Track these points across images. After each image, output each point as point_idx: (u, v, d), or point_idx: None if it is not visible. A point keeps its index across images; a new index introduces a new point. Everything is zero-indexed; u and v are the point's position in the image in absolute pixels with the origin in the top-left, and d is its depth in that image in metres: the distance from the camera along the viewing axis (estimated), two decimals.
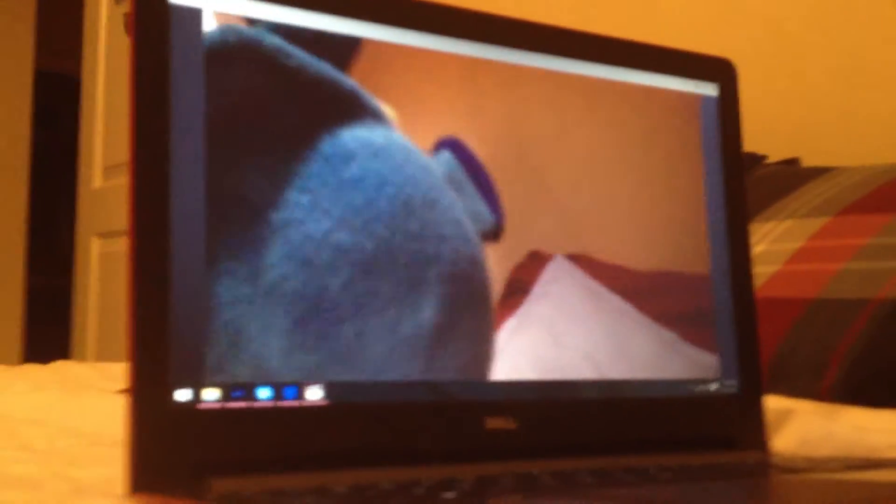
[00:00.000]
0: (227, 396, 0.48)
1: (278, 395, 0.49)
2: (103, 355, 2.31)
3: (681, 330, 0.61)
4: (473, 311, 0.52)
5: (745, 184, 0.65)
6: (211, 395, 0.48)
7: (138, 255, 0.47)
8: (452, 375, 0.53)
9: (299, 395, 0.50)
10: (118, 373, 1.06)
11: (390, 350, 0.50)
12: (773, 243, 0.93)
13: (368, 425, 0.51)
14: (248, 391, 0.48)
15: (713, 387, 0.62)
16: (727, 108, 0.66)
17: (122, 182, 2.36)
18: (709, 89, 0.66)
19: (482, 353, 0.53)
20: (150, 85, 0.48)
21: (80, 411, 0.74)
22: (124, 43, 2.40)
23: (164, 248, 0.47)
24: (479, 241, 0.54)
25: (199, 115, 0.49)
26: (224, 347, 0.48)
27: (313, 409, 0.49)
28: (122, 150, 2.37)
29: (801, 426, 0.66)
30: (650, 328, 0.60)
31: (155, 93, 0.48)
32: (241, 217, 0.48)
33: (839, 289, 0.84)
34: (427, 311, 0.51)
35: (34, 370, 1.05)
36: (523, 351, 0.55)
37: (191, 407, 0.47)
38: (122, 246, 2.32)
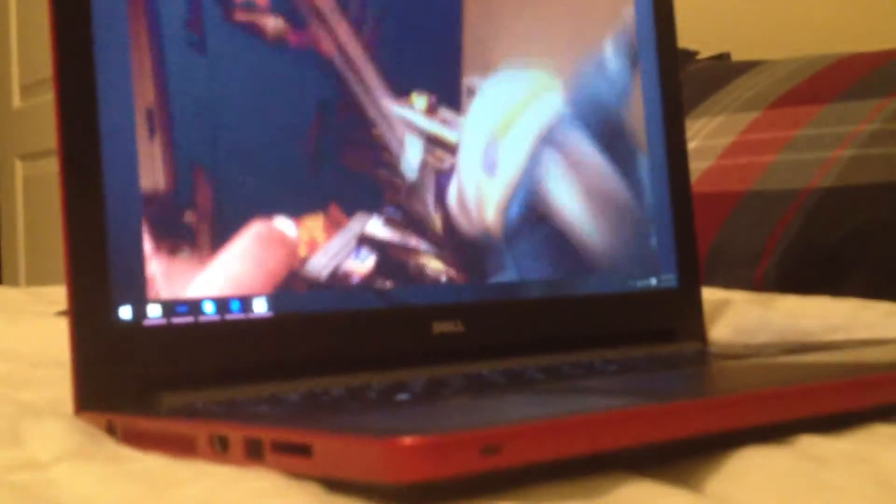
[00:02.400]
0: (171, 312, 0.47)
1: (223, 309, 0.49)
2: (34, 279, 2.27)
3: (618, 225, 0.62)
4: None
5: (680, 79, 0.66)
6: (154, 310, 0.47)
7: (68, 175, 0.45)
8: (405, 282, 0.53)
9: (244, 308, 0.49)
10: (53, 296, 1.05)
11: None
12: (705, 139, 0.94)
13: (316, 335, 0.51)
14: (192, 306, 0.48)
15: (652, 281, 0.63)
16: (661, 5, 0.66)
17: (40, 101, 2.28)
18: None
19: None
20: None
21: (17, 335, 0.73)
22: None
23: (96, 165, 0.46)
24: None
25: (123, 22, 0.47)
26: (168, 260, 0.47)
27: (259, 322, 0.49)
28: (39, 69, 2.29)
29: (737, 315, 0.68)
30: (592, 221, 0.60)
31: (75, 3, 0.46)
32: None
33: (771, 180, 0.85)
34: None
35: None
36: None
37: (135, 325, 0.46)
38: (46, 167, 2.26)
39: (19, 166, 2.38)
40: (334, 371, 0.50)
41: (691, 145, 0.95)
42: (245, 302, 0.50)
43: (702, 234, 0.85)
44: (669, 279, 0.64)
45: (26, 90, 2.34)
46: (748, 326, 0.66)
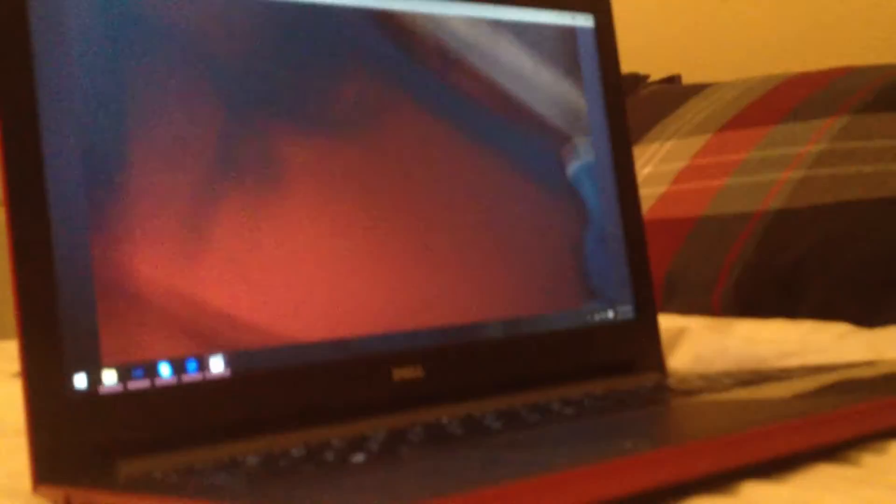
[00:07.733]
0: (126, 376, 0.47)
1: (180, 370, 0.49)
2: None
3: (572, 260, 0.63)
4: None
5: (626, 112, 0.67)
6: (110, 377, 0.47)
7: (17, 240, 0.45)
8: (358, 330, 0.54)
9: (201, 368, 0.49)
10: (11, 352, 1.04)
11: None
12: (658, 165, 0.95)
13: (275, 391, 0.51)
14: (148, 369, 0.48)
15: (609, 314, 0.64)
16: (604, 38, 0.67)
17: None
18: (584, 21, 0.66)
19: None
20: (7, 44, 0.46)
21: None
22: None
23: (45, 226, 0.46)
24: None
25: (72, 70, 0.47)
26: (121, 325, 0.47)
27: (217, 382, 0.49)
28: None
29: (694, 343, 0.69)
30: (542, 259, 0.61)
31: (15, 52, 0.46)
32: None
33: (723, 205, 0.87)
34: None
35: None
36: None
37: (90, 392, 0.46)
38: None
39: None
40: (296, 425, 0.50)
41: (644, 171, 0.96)
42: (201, 361, 0.50)
43: (657, 260, 0.86)
44: (626, 311, 0.65)
45: None
46: (705, 355, 0.67)
